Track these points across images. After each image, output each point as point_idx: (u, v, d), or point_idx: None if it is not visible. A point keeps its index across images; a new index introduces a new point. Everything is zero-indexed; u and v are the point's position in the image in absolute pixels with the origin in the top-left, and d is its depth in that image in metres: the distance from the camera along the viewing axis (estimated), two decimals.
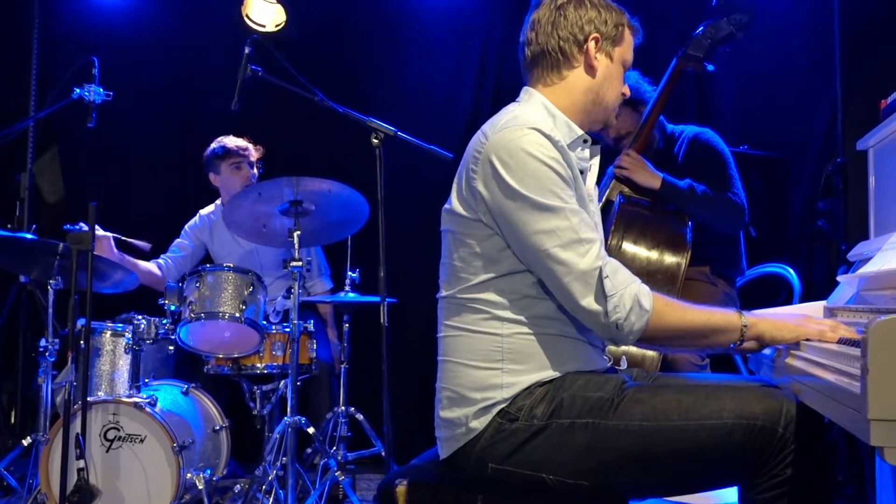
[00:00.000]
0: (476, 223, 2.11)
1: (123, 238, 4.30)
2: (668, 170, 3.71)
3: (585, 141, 2.24)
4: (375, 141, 3.50)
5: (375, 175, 3.47)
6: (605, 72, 2.25)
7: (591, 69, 2.24)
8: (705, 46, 3.65)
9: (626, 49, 2.28)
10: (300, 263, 3.81)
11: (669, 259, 3.44)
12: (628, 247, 3.43)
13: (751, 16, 3.62)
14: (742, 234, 3.89)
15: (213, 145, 4.71)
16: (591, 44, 2.22)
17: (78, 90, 3.91)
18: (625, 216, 3.52)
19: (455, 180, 2.21)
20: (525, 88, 2.31)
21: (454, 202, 2.18)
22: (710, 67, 3.75)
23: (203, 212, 4.88)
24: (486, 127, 2.18)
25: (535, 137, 2.05)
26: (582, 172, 2.21)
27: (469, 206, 2.12)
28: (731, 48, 3.70)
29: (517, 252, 2.08)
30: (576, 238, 2.01)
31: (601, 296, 2.00)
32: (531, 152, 2.03)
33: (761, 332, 2.10)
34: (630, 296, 2.01)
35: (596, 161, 2.33)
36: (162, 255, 4.74)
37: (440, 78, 5.34)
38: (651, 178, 3.64)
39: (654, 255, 3.44)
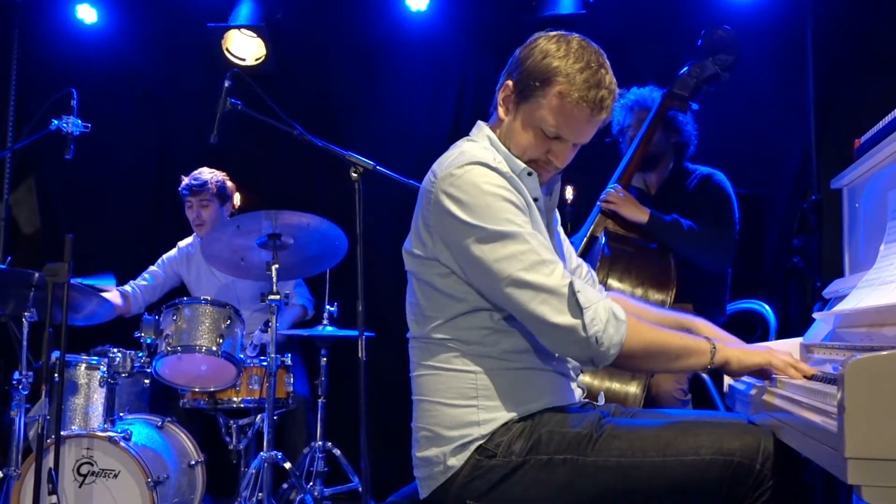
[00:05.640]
0: (432, 262, 2.11)
1: (86, 283, 4.28)
2: (675, 202, 3.74)
3: (530, 174, 2.17)
4: (354, 175, 3.49)
5: (354, 209, 3.47)
6: (508, 125, 2.19)
7: (499, 117, 2.22)
8: (690, 86, 3.69)
9: (544, 113, 2.10)
10: (278, 297, 3.80)
11: (655, 296, 3.44)
12: (613, 283, 3.43)
13: (736, 56, 3.65)
14: (729, 277, 3.90)
15: None
16: (503, 89, 2.19)
17: (56, 121, 3.88)
18: (610, 252, 3.52)
19: (413, 220, 2.21)
20: (477, 122, 2.30)
21: (412, 242, 2.18)
22: (695, 107, 3.81)
23: (181, 244, 4.85)
24: (435, 165, 2.18)
25: (481, 170, 2.05)
26: (536, 200, 2.20)
27: (424, 246, 2.12)
28: (715, 88, 3.73)
29: (479, 287, 2.07)
30: (538, 259, 2.00)
31: (576, 309, 1.97)
32: (478, 184, 2.03)
33: (728, 358, 2.10)
34: (605, 308, 1.99)
35: (556, 189, 2.32)
36: (129, 283, 4.71)
37: (419, 112, 5.36)
38: (638, 212, 3.65)
39: (638, 291, 3.44)
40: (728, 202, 3.78)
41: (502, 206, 2.03)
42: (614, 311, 2.00)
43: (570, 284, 1.99)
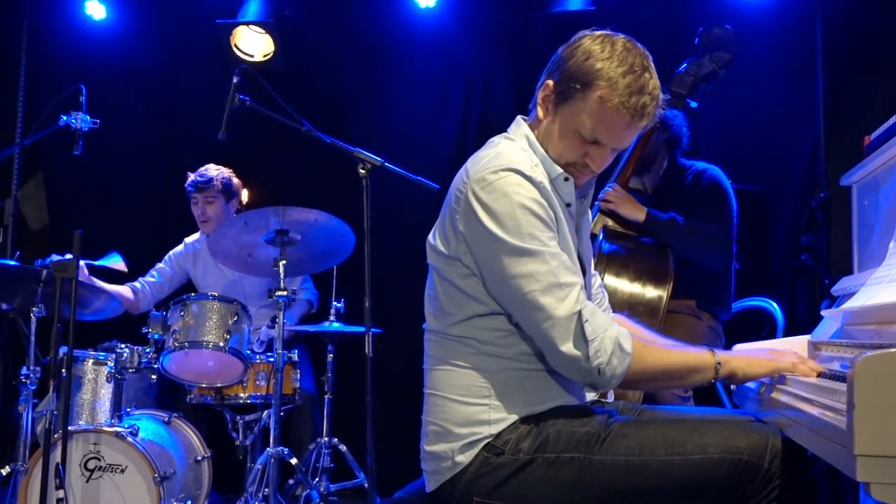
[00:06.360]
0: (455, 261, 2.10)
1: (97, 264, 4.28)
2: (673, 199, 3.73)
3: (566, 179, 2.14)
4: (362, 171, 3.48)
5: (361, 205, 3.46)
6: (547, 126, 2.15)
7: (537, 117, 2.18)
8: (688, 84, 3.69)
9: (583, 117, 2.05)
10: (285, 293, 3.80)
11: (651, 292, 3.45)
12: (610, 280, 3.45)
13: (734, 54, 3.65)
14: (733, 275, 3.89)
15: None
16: (543, 89, 2.14)
17: (65, 117, 3.89)
18: (607, 249, 3.54)
19: (440, 214, 2.20)
20: (517, 118, 2.26)
21: (437, 237, 2.17)
22: (693, 104, 3.79)
23: (188, 240, 4.86)
24: (469, 163, 2.15)
25: (514, 179, 2.01)
26: (569, 205, 2.17)
27: (449, 244, 2.11)
28: (713, 86, 3.72)
29: (496, 295, 2.06)
30: (555, 282, 1.99)
31: (581, 340, 1.97)
32: (509, 193, 2.00)
33: (734, 370, 2.09)
34: (611, 339, 1.98)
35: (590, 192, 2.30)
36: (139, 279, 4.71)
37: (427, 109, 5.35)
38: (636, 210, 3.66)
39: (636, 288, 3.45)
40: (723, 197, 3.77)
41: (529, 221, 2.00)
42: (621, 342, 1.99)
43: (580, 313, 1.98)
